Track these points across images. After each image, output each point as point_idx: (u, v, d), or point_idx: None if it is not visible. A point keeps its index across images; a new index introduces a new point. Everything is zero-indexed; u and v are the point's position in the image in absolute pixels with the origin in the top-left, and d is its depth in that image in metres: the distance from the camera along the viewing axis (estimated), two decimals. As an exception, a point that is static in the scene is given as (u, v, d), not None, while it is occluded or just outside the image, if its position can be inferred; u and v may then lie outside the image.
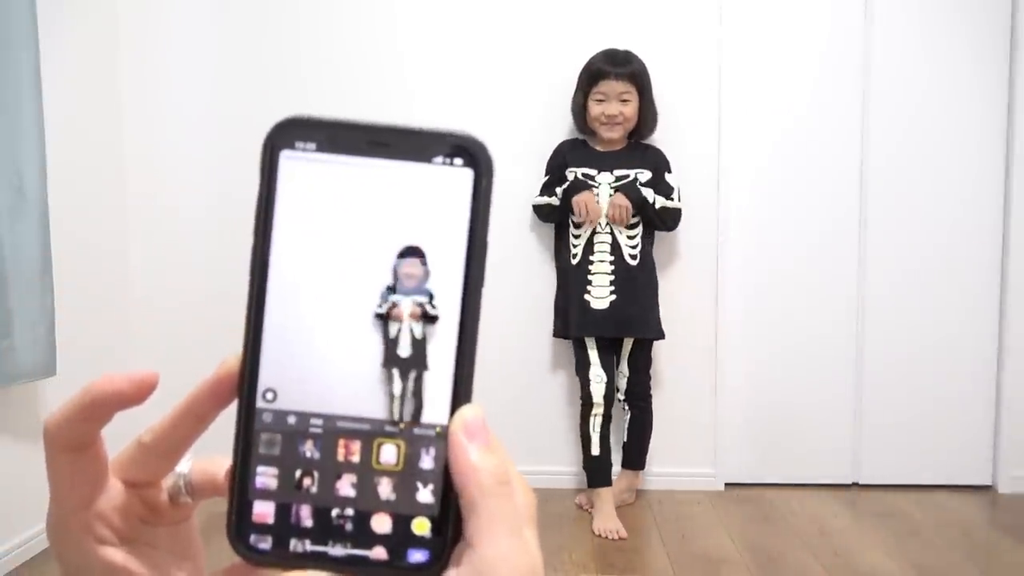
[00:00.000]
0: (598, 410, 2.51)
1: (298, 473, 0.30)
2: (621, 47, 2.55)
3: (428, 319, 0.29)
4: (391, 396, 0.30)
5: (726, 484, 2.76)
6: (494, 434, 0.30)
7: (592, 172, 2.51)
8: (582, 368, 2.56)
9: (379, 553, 0.29)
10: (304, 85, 2.74)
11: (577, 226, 2.52)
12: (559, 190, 2.54)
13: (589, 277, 2.48)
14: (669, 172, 2.58)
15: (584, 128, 2.59)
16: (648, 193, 2.49)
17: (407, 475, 0.29)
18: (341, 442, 0.29)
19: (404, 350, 0.30)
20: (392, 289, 0.29)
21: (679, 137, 2.67)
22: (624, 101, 2.49)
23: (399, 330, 0.29)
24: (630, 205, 2.43)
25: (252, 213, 0.30)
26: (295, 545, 0.29)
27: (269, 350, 0.30)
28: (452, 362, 0.30)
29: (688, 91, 2.70)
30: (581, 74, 2.55)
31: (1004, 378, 2.73)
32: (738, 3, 2.67)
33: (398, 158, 0.29)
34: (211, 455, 0.34)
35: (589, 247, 2.49)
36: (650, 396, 2.61)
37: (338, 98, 2.73)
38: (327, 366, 0.30)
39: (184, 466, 0.33)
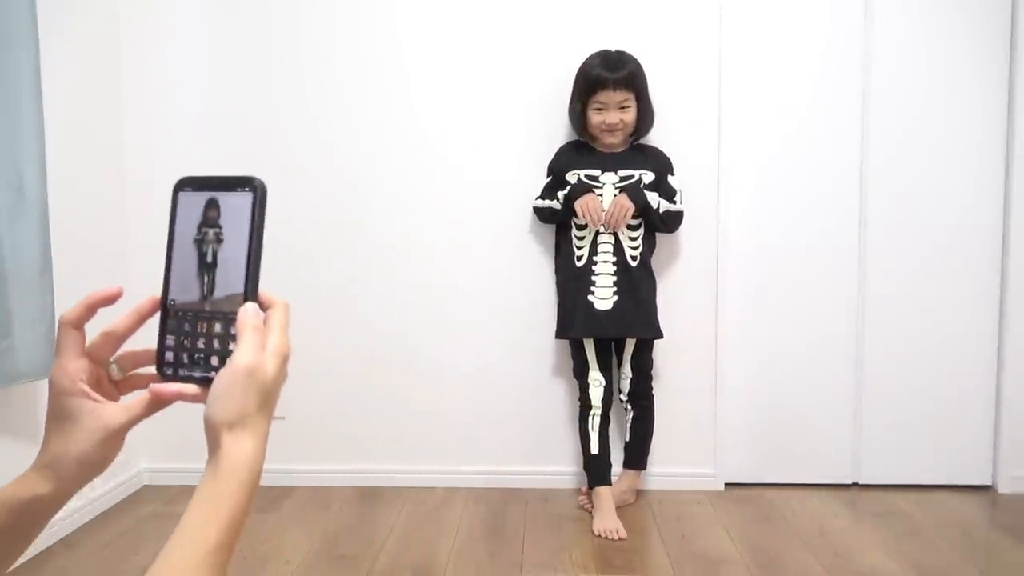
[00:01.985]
0: (596, 411, 2.52)
1: (182, 336, 0.61)
2: (621, 47, 2.54)
3: (219, 240, 0.60)
4: (201, 283, 0.61)
5: (726, 484, 2.76)
6: (281, 323, 0.60)
7: (596, 173, 2.50)
8: (580, 372, 2.56)
9: (214, 376, 0.57)
10: (304, 86, 2.73)
11: (580, 228, 2.51)
12: (560, 194, 2.53)
13: (593, 278, 2.48)
14: (672, 174, 2.58)
15: (583, 134, 2.59)
16: (652, 197, 2.48)
17: (226, 336, 0.59)
18: (199, 321, 0.60)
19: (209, 259, 0.60)
20: (203, 225, 0.60)
21: (679, 137, 2.67)
22: (623, 108, 2.48)
23: (207, 249, 0.60)
24: (633, 207, 2.43)
25: None
26: (180, 370, 0.61)
27: (172, 281, 0.62)
28: (243, 278, 0.59)
29: (688, 91, 2.70)
30: (577, 79, 2.53)
31: (1004, 378, 2.72)
32: (738, 3, 2.67)
33: (224, 191, 0.60)
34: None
35: (593, 248, 2.49)
36: (652, 396, 2.61)
37: (337, 99, 2.73)
38: (194, 283, 0.61)
39: (114, 356, 0.65)
